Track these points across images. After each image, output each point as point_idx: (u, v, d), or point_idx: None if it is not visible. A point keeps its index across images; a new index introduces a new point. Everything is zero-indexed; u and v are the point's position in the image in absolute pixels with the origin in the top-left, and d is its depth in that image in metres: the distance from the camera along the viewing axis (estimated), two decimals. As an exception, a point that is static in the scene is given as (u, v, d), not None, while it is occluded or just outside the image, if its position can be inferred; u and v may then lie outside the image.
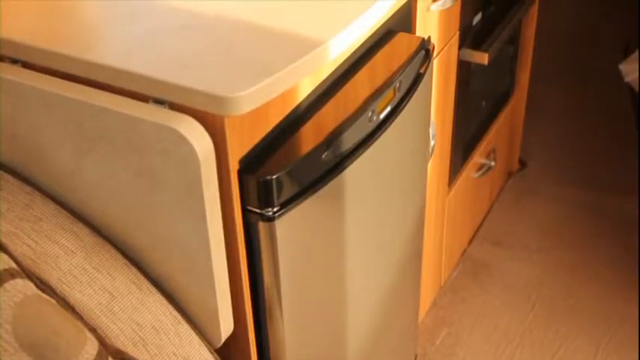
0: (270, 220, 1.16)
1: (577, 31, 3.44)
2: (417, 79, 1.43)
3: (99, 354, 1.04)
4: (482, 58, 1.91)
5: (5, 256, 1.03)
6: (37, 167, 1.22)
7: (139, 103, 1.09)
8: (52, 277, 1.12)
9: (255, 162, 1.14)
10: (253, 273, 1.23)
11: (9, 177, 1.21)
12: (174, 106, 1.08)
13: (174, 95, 1.07)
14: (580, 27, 3.46)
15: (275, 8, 1.24)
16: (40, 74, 1.16)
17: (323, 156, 1.21)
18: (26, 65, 1.18)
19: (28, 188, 1.21)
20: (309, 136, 1.21)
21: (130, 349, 1.13)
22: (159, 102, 1.09)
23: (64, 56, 1.13)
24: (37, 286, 1.05)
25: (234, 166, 1.11)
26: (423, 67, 1.45)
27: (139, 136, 1.08)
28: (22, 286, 1.01)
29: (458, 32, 1.82)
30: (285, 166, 1.15)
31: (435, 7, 1.62)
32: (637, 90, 2.56)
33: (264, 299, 1.25)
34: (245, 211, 1.16)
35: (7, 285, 0.99)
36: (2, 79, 1.16)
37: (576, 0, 3.62)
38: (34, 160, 1.21)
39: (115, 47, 1.16)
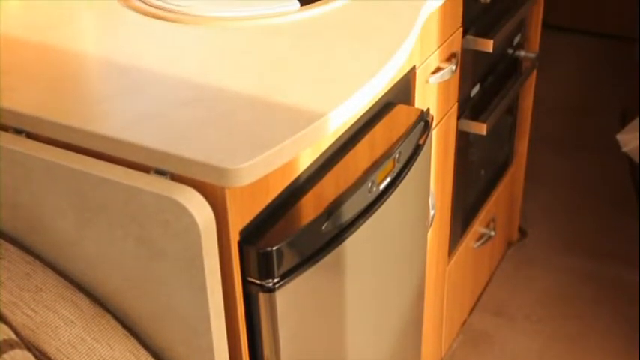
0: (271, 290, 1.16)
1: (574, 99, 3.48)
2: (417, 150, 1.45)
3: None
4: (481, 128, 1.93)
5: (5, 327, 1.03)
6: (37, 236, 1.22)
7: (140, 173, 1.10)
8: (51, 348, 1.11)
9: (255, 233, 1.14)
10: (253, 343, 1.23)
11: (10, 246, 1.22)
12: (175, 177, 1.09)
13: (176, 166, 1.08)
14: (577, 96, 3.50)
15: (276, 82, 1.26)
16: (43, 145, 1.17)
17: (323, 227, 1.21)
18: (30, 136, 1.19)
19: (28, 257, 1.21)
20: (310, 207, 1.21)
21: (127, 421, 1.12)
22: (160, 173, 1.10)
23: (67, 127, 1.15)
24: (36, 357, 1.05)
25: (234, 237, 1.12)
26: (423, 139, 1.47)
27: (140, 207, 1.09)
28: (21, 357, 1.01)
29: (456, 103, 1.84)
30: (285, 237, 1.15)
31: (433, 79, 1.65)
32: (636, 160, 2.58)
33: (263, 370, 1.24)
34: (245, 282, 1.16)
35: (6, 356, 0.99)
36: (6, 149, 1.17)
37: (573, 69, 3.67)
38: (35, 229, 1.22)
39: (118, 119, 1.17)
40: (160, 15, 1.48)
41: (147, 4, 1.53)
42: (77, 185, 1.13)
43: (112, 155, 1.13)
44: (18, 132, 1.20)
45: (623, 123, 2.79)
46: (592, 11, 3.88)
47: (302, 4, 1.50)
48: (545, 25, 2.48)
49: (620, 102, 3.18)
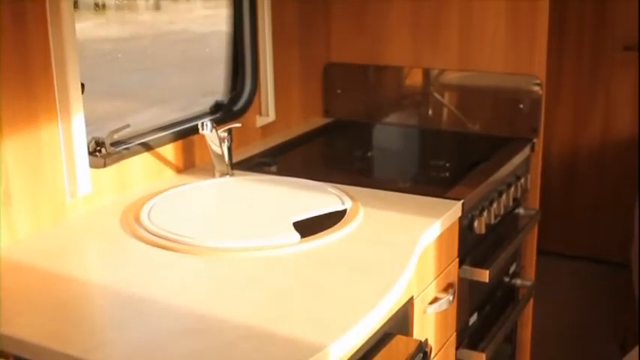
0: None
1: (573, 326, 3.47)
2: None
3: None
4: (480, 358, 1.92)
5: None
6: None
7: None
8: None
9: None
10: None
11: None
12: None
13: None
14: (576, 322, 3.50)
15: (277, 313, 1.28)
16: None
17: None
18: (30, 365, 1.20)
19: None
20: None
21: None
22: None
23: (68, 356, 1.15)
24: None
25: None
26: (422, 370, 1.46)
27: None
28: None
29: (455, 333, 1.85)
30: None
31: (431, 309, 1.67)
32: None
33: None
34: None
35: None
36: None
37: (571, 294, 3.69)
38: None
39: (116, 349, 1.18)
40: (165, 245, 1.53)
41: (152, 233, 1.58)
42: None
43: (110, 386, 1.13)
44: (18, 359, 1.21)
45: (624, 350, 2.78)
46: (586, 237, 3.96)
47: (302, 237, 1.55)
48: (541, 251, 2.53)
49: (619, 329, 3.17)
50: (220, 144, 1.94)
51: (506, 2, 2.36)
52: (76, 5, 1.69)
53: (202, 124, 1.91)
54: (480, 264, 1.91)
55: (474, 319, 1.98)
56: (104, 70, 2.24)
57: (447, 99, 2.54)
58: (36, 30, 1.59)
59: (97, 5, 2.27)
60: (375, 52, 2.58)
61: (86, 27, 1.95)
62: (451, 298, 1.74)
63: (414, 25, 2.50)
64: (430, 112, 2.57)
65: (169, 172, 2.01)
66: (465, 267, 1.87)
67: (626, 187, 3.70)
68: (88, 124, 1.72)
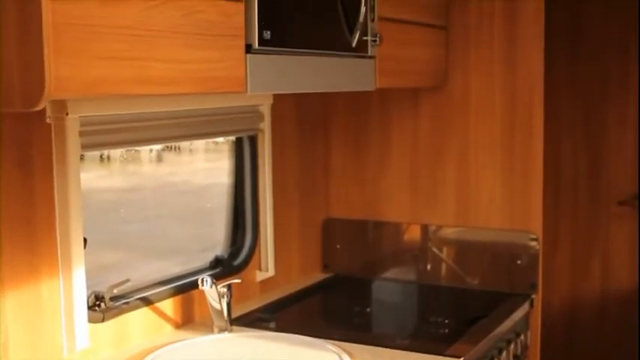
0: None
1: None
2: None
3: None
4: None
5: None
6: None
7: None
8: None
9: None
10: None
11: None
12: None
13: None
14: None
15: None
16: None
17: None
18: None
19: None
20: None
21: None
22: None
23: None
24: None
25: None
26: None
27: None
28: None
29: None
30: None
31: None
32: None
33: None
34: None
35: None
36: None
37: None
38: None
39: None
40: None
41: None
42: None
43: None
44: None
45: None
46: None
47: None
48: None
49: None
50: (220, 299, 1.94)
51: (501, 161, 2.43)
52: (82, 157, 1.74)
53: (202, 279, 1.92)
54: None
55: None
56: (105, 220, 2.27)
57: (445, 254, 2.56)
58: (42, 183, 1.63)
59: (102, 157, 2.33)
60: (374, 208, 2.63)
61: (89, 177, 2.00)
62: None
63: (413, 181, 2.56)
64: (429, 267, 2.58)
65: (168, 327, 2.00)
66: None
67: (628, 342, 3.66)
68: (88, 277, 1.73)
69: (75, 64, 1.15)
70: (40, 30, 1.09)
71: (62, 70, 1.12)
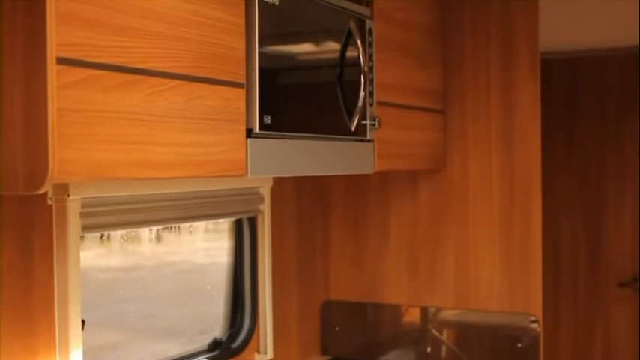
0: None
1: None
2: None
3: None
4: None
5: None
6: None
7: None
8: None
9: None
10: None
11: None
12: None
13: None
14: None
15: None
16: None
17: None
18: None
19: None
20: None
21: None
22: None
23: None
24: None
25: None
26: None
27: None
28: None
29: None
30: None
31: None
32: None
33: None
34: None
35: None
36: None
37: None
38: None
39: None
40: None
41: None
42: None
43: None
44: None
45: None
46: None
47: None
48: None
49: None
50: (218, 383, 1.92)
51: (500, 244, 2.43)
52: (82, 236, 1.74)
53: (200, 362, 1.91)
54: None
55: None
56: (103, 299, 2.26)
57: (445, 336, 2.54)
58: (41, 265, 1.63)
59: (102, 236, 2.33)
60: (373, 290, 2.62)
61: (89, 255, 2.00)
62: None
63: (412, 264, 2.55)
64: (429, 349, 2.56)
65: (164, 411, 1.97)
66: None
67: None
68: (85, 359, 1.71)
69: (78, 149, 1.16)
70: (45, 114, 1.11)
71: (66, 154, 1.14)
